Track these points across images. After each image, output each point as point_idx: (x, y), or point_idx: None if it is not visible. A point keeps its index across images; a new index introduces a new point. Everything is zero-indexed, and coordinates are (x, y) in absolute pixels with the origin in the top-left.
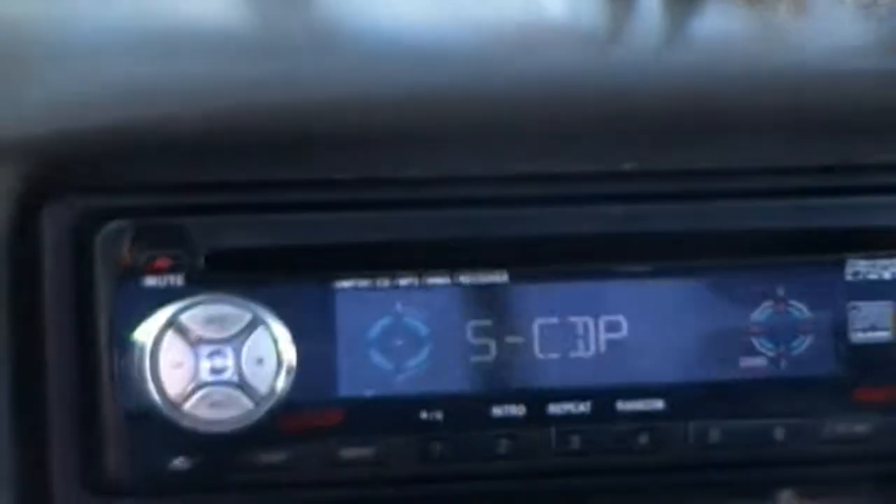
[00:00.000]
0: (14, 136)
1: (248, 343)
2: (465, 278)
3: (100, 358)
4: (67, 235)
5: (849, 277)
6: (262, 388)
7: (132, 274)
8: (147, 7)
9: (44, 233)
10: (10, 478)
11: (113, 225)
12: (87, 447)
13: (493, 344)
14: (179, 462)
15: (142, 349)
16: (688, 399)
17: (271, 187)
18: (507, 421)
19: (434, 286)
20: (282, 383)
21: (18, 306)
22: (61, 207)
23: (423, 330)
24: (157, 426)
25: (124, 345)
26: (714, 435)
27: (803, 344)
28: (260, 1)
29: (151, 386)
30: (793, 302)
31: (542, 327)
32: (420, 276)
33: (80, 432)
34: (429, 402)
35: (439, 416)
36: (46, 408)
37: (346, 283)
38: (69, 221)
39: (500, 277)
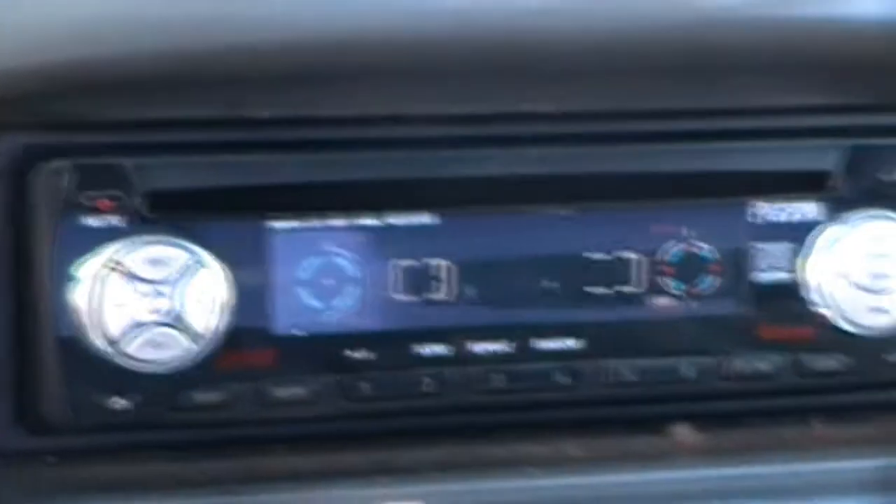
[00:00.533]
0: None
1: (188, 283)
2: (393, 219)
3: (38, 295)
4: (7, 172)
5: (751, 219)
6: (201, 327)
7: (73, 213)
8: None
9: None
10: None
11: (54, 163)
12: (23, 385)
13: (418, 284)
14: (117, 401)
15: (82, 288)
16: (602, 338)
17: (209, 127)
18: (432, 360)
19: (363, 227)
20: (219, 323)
21: None
22: (1, 143)
23: (352, 270)
24: (95, 365)
25: (64, 283)
26: (626, 372)
27: (709, 283)
28: None
29: (91, 325)
30: (699, 243)
31: (465, 268)
32: (350, 216)
33: (17, 370)
34: (356, 341)
35: (367, 355)
36: None
37: (279, 224)
38: (8, 157)
39: (427, 218)
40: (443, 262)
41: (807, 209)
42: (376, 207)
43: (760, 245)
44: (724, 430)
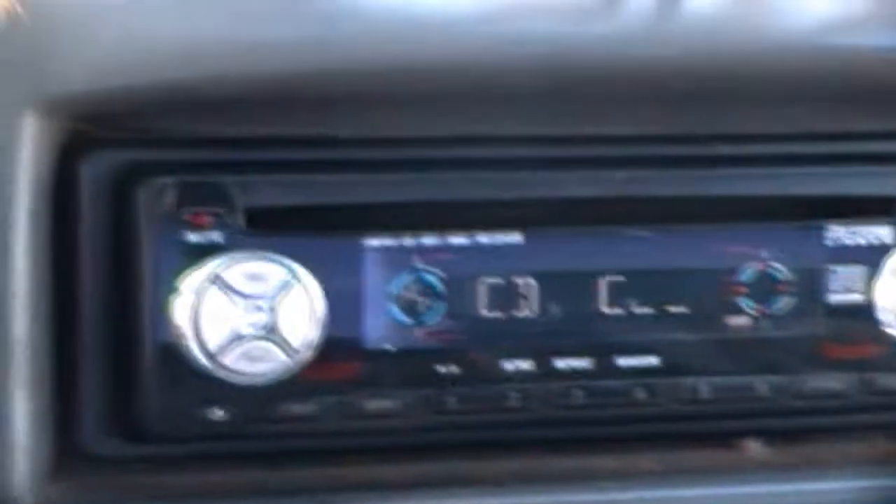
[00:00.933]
0: (59, 90)
1: (284, 298)
2: (480, 237)
3: (140, 307)
4: (110, 188)
5: (827, 242)
6: (296, 341)
7: (175, 228)
8: None
9: (85, 183)
10: (48, 427)
11: (157, 180)
12: (122, 394)
13: (504, 301)
14: (214, 412)
15: (183, 301)
16: (679, 355)
17: (306, 147)
18: (516, 375)
19: (452, 245)
20: (313, 337)
21: (60, 255)
22: (103, 160)
23: (440, 286)
24: (194, 376)
25: (165, 296)
26: (703, 389)
27: (783, 304)
28: None
29: (191, 338)
30: (774, 264)
31: (548, 286)
32: (439, 234)
33: (119, 382)
34: (444, 356)
35: (454, 369)
36: (84, 357)
37: (372, 241)
38: (111, 174)
39: (514, 237)
40: (527, 280)
41: (879, 232)
42: (464, 226)
43: (834, 267)
44: (794, 445)
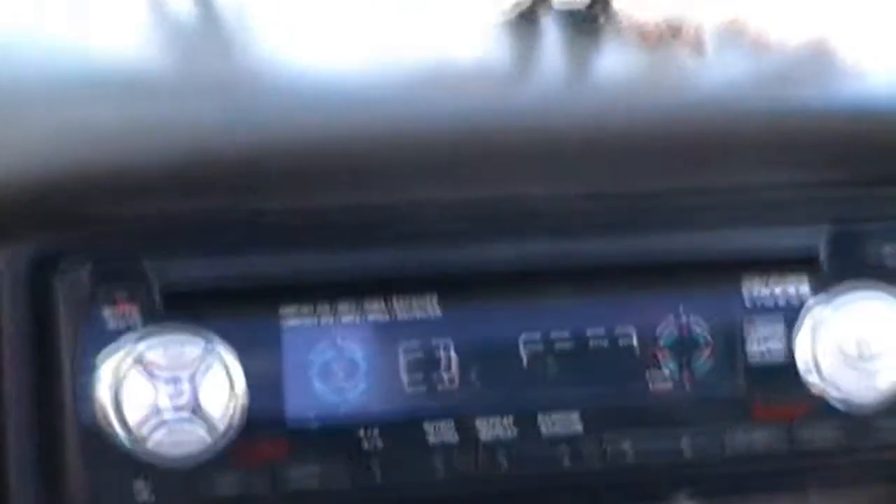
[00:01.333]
0: None
1: (205, 377)
2: (399, 309)
3: (61, 394)
4: (27, 274)
5: (745, 300)
6: (218, 419)
7: (92, 310)
8: (90, 54)
9: (1, 273)
10: None
11: (70, 263)
12: (48, 479)
13: (424, 372)
14: (139, 490)
15: (103, 381)
16: (603, 419)
17: (220, 223)
18: (441, 445)
19: (370, 319)
20: (236, 415)
21: None
22: (18, 247)
23: (361, 360)
24: (118, 457)
25: (86, 377)
26: (628, 452)
27: (705, 363)
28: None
29: (114, 419)
30: (694, 325)
31: (469, 355)
32: (358, 307)
33: (42, 465)
34: (367, 428)
35: (379, 442)
36: (6, 446)
37: (292, 319)
38: (27, 261)
39: (432, 307)
40: (448, 351)
41: (797, 287)
42: (383, 299)
43: (753, 324)
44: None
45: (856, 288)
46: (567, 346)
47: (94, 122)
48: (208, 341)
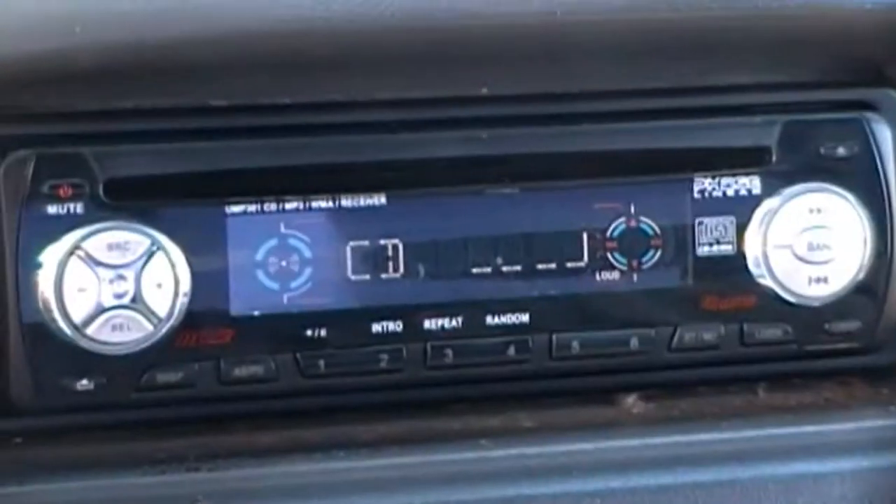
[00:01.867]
0: None
1: (148, 267)
2: (345, 201)
3: (3, 283)
4: None
5: (696, 195)
6: (161, 310)
7: (35, 201)
8: None
9: None
10: None
11: (15, 154)
12: None
13: (371, 264)
14: (82, 382)
15: (45, 274)
16: (551, 312)
17: (165, 116)
18: (386, 337)
19: (317, 209)
20: (179, 305)
21: None
22: None
23: (307, 251)
24: (60, 348)
25: (28, 270)
26: (575, 345)
27: (654, 257)
28: None
29: (56, 310)
30: (644, 218)
31: (415, 246)
32: (304, 199)
33: None
34: (313, 320)
35: (323, 333)
36: None
37: (235, 208)
38: None
39: (378, 200)
40: (394, 242)
41: (748, 184)
42: (330, 190)
43: (703, 219)
44: (671, 399)
45: (806, 184)
46: (514, 238)
47: (36, 13)
48: (151, 234)
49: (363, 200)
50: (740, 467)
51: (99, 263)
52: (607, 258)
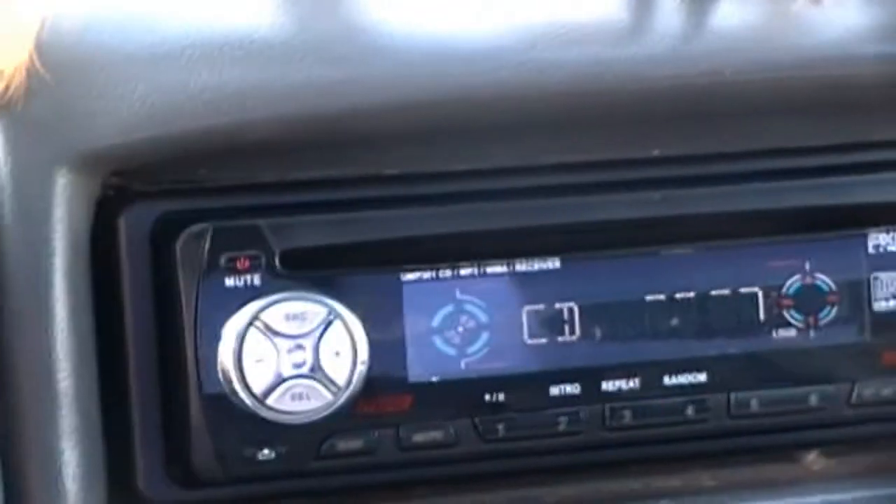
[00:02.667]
0: (92, 146)
1: (326, 337)
2: (519, 266)
3: (184, 355)
4: (147, 239)
5: (871, 250)
6: (340, 379)
7: (213, 274)
8: (208, 17)
9: (124, 237)
10: (100, 474)
11: (192, 228)
12: (173, 441)
13: (548, 327)
14: (263, 452)
15: (225, 346)
16: (728, 371)
17: (338, 186)
18: (564, 399)
19: (492, 274)
20: (357, 373)
21: (103, 309)
22: (140, 212)
23: (483, 316)
24: (241, 419)
25: (207, 342)
26: (754, 404)
27: (830, 314)
28: (309, 9)
29: (236, 381)
30: (819, 275)
31: (591, 309)
32: (479, 265)
33: (167, 429)
34: (491, 384)
35: (501, 397)
36: (132, 407)
37: (411, 276)
38: (149, 226)
39: (553, 264)
40: (570, 305)
41: None
42: (504, 255)
43: (879, 274)
44: (852, 454)
45: None
46: (690, 297)
47: (213, 87)
48: (328, 303)
49: (537, 265)
50: None
51: (277, 334)
52: (783, 316)
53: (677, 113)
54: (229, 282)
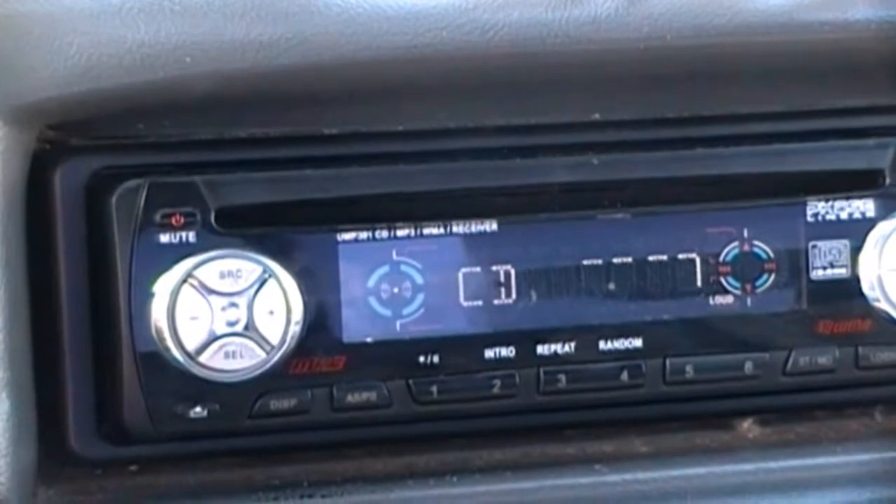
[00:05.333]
0: (29, 99)
1: (260, 295)
2: (457, 228)
3: (117, 311)
4: (82, 193)
5: (809, 219)
6: (273, 337)
7: (148, 230)
8: None
9: (59, 191)
10: (31, 431)
11: (127, 184)
12: (104, 398)
13: (483, 289)
14: (196, 410)
15: (158, 302)
16: (664, 336)
17: (277, 144)
18: (499, 362)
19: (428, 236)
20: (291, 332)
21: (36, 261)
22: (75, 167)
23: (419, 277)
24: (173, 376)
25: (141, 299)
26: (689, 370)
27: (768, 282)
28: None
29: (169, 338)
30: (757, 242)
31: (527, 272)
32: (416, 226)
33: (98, 386)
34: (425, 346)
35: (436, 359)
36: (63, 363)
37: (347, 235)
38: (84, 180)
39: (490, 226)
40: (506, 268)
41: (861, 207)
42: (441, 217)
43: (817, 243)
44: (787, 423)
45: None
46: (626, 263)
47: (152, 42)
48: (263, 262)
49: (475, 227)
50: (857, 490)
51: (211, 291)
52: (721, 282)
53: (618, 77)
54: (164, 238)
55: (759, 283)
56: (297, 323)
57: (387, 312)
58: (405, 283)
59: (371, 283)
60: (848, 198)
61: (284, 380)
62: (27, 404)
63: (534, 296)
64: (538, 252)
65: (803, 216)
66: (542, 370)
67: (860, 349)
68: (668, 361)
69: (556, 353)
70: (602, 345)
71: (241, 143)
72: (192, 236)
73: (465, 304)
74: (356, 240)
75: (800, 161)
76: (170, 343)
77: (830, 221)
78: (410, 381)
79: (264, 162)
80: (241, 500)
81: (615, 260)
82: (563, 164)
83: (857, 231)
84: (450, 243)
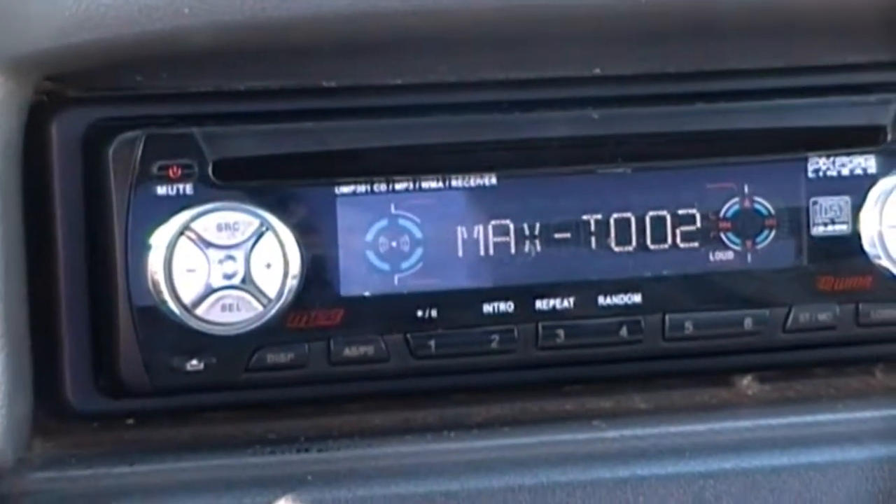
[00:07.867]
0: (27, 49)
1: (257, 248)
2: (455, 182)
3: (113, 264)
4: (79, 145)
5: (811, 175)
6: (271, 290)
7: (145, 182)
8: None
9: (56, 143)
10: (27, 383)
11: (125, 135)
12: (101, 351)
13: (481, 244)
14: (193, 363)
15: (155, 255)
16: (664, 292)
17: (275, 96)
18: (497, 317)
19: (427, 189)
20: (288, 286)
21: (33, 213)
22: (73, 118)
23: (417, 231)
24: (170, 330)
25: (137, 252)
26: (688, 326)
27: (768, 238)
28: None
29: (166, 291)
30: (758, 198)
31: (526, 227)
32: (414, 180)
33: (95, 339)
34: (423, 301)
35: (434, 313)
36: (60, 316)
37: (345, 189)
38: (81, 132)
39: (489, 180)
40: (505, 222)
41: (863, 163)
42: (440, 170)
43: (818, 199)
44: (787, 380)
45: None
46: (626, 218)
47: None
48: (261, 215)
49: (474, 181)
50: (856, 448)
51: (209, 244)
52: (721, 238)
53: (618, 32)
54: (161, 190)
55: (759, 239)
56: (294, 276)
57: (385, 266)
58: (403, 236)
59: (369, 236)
60: (849, 154)
61: (281, 333)
62: (23, 357)
63: (533, 250)
64: (537, 206)
65: (804, 172)
66: (540, 325)
67: (860, 306)
68: (667, 317)
69: (554, 308)
70: (601, 300)
71: (240, 95)
72: (189, 188)
73: (463, 258)
74: (354, 193)
75: (801, 117)
76: (166, 296)
77: (831, 178)
78: (408, 336)
79: (262, 114)
80: (237, 455)
81: (615, 215)
82: (563, 119)
83: (858, 187)
84: (449, 197)
